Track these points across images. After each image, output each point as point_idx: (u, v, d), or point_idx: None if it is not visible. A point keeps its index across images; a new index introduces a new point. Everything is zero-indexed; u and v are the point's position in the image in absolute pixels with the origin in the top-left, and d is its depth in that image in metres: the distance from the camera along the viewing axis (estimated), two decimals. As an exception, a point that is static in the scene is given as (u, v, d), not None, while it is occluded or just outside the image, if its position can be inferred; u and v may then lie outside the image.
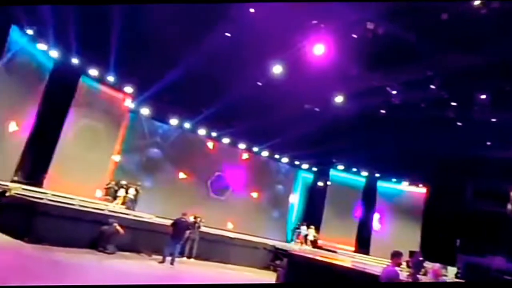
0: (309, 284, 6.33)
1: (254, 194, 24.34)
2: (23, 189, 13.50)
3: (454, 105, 16.52)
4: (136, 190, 18.53)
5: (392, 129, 18.87)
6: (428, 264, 13.76)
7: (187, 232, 12.86)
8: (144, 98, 19.74)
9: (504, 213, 19.50)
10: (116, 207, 16.43)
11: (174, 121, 21.63)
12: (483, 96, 15.32)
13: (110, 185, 18.51)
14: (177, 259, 12.16)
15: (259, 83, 18.72)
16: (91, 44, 15.97)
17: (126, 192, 18.25)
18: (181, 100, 20.13)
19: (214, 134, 22.73)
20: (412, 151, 19.55)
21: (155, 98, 19.61)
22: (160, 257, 11.89)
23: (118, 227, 11.57)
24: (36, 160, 16.61)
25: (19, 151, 15.64)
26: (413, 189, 24.04)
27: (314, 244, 22.23)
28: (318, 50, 15.00)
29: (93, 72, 17.56)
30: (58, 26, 14.65)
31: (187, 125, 21.93)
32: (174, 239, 12.02)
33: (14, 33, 13.77)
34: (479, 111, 15.77)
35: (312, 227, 22.77)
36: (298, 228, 23.33)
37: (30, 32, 14.51)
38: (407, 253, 14.27)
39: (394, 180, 24.46)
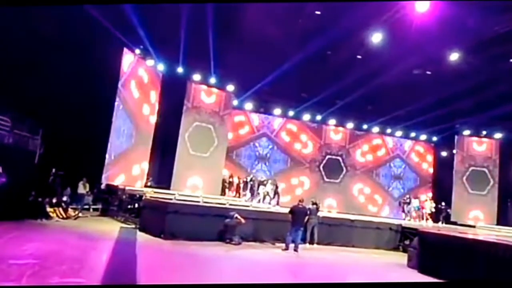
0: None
1: (371, 174, 23.22)
2: (155, 192, 15.06)
3: None
4: (275, 185, 18.12)
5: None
6: None
7: (306, 218, 12.79)
8: (246, 93, 20.36)
9: None
10: (259, 204, 16.68)
11: (277, 111, 21.86)
12: None
13: (247, 180, 18.78)
14: (300, 246, 12.16)
15: (359, 56, 17.73)
16: (191, 52, 17.00)
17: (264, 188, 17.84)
18: (282, 89, 20.21)
19: (319, 117, 22.30)
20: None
21: (256, 92, 20.06)
22: (283, 245, 12.04)
23: (239, 217, 12.05)
24: (162, 165, 18.46)
25: (147, 160, 17.46)
26: None
27: (433, 217, 19.27)
28: (421, 6, 13.47)
29: (197, 77, 18.72)
30: (160, 41, 15.95)
31: (291, 113, 21.95)
32: (294, 226, 12.02)
33: (126, 55, 15.38)
34: None
35: (428, 198, 19.83)
36: (409, 203, 19.93)
37: (137, 51, 16.08)
38: None
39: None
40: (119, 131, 15.55)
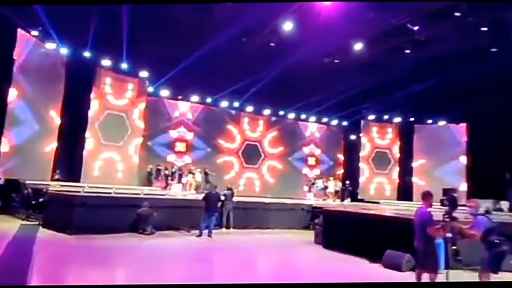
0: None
1: (288, 158, 24.19)
2: (61, 185, 14.11)
3: (485, 31, 15.19)
4: (205, 172, 17.63)
5: (421, 68, 17.84)
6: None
7: (219, 203, 13.00)
8: (161, 80, 19.78)
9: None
10: (190, 193, 16.36)
11: (195, 98, 21.61)
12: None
13: (174, 170, 18.28)
14: (215, 231, 12.35)
15: (272, 44, 18.13)
16: (100, 36, 15.97)
17: (193, 177, 17.58)
18: (199, 76, 19.94)
19: (236, 104, 22.51)
20: (447, 87, 18.36)
21: (172, 78, 19.56)
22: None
23: (150, 210, 11.88)
24: (70, 157, 17.25)
25: (53, 151, 16.22)
26: (452, 126, 22.93)
27: (339, 195, 21.08)
28: (324, -2, 14.22)
29: (107, 62, 17.70)
30: (62, 24, 14.73)
31: (208, 100, 21.86)
32: (208, 212, 12.17)
33: (22, 36, 14.00)
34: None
35: (331, 178, 21.52)
36: (314, 183, 21.64)
37: (35, 33, 14.72)
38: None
39: (430, 121, 23.40)
40: (17, 120, 14.20)
